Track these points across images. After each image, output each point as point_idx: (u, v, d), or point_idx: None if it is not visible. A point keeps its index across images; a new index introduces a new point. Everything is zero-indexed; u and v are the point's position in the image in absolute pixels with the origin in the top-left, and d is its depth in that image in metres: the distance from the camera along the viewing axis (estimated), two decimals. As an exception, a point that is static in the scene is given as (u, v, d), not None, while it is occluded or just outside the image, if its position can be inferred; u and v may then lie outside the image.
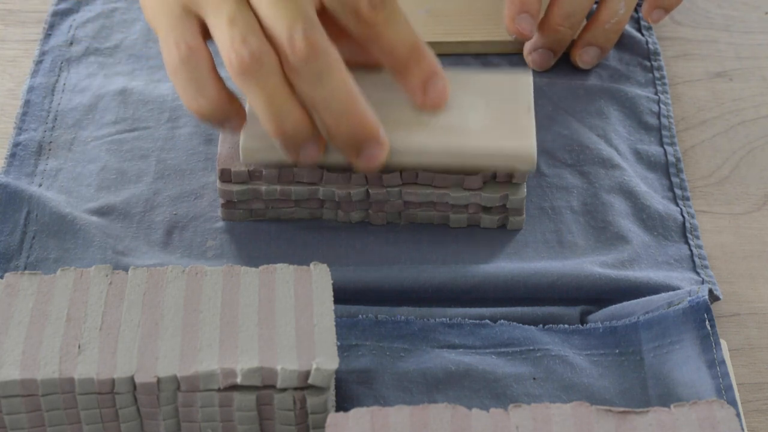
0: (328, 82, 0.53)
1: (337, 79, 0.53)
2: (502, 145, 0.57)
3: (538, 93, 0.68)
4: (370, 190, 0.59)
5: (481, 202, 0.59)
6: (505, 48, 0.71)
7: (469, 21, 0.72)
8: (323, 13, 0.55)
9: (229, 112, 0.55)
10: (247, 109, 0.57)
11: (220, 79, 0.55)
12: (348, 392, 0.52)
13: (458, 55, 0.71)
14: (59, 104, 0.67)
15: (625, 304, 0.57)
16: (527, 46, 0.69)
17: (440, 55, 0.67)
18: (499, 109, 0.59)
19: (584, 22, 0.70)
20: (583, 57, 0.69)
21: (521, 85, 0.60)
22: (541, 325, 0.56)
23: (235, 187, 0.59)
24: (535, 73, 0.70)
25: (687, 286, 0.58)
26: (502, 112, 0.59)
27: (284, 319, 0.49)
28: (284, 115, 0.54)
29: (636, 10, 0.74)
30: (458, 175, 0.58)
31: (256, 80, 0.53)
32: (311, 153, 0.56)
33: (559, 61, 0.70)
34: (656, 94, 0.69)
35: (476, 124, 0.58)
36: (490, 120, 0.58)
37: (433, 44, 0.70)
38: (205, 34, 0.55)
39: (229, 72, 0.53)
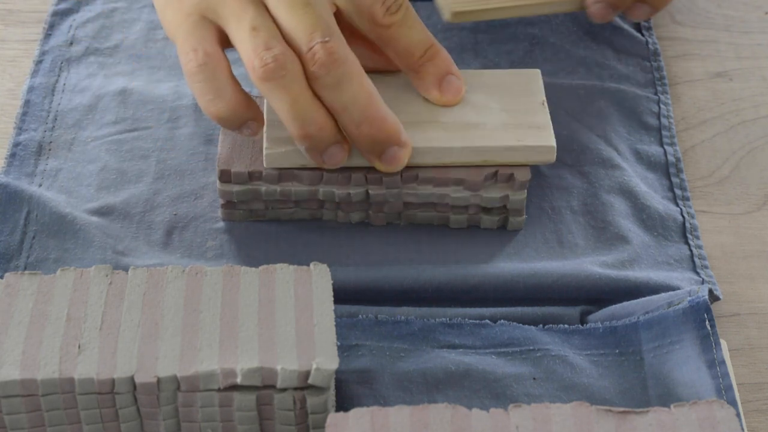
0: (348, 89, 0.54)
1: (357, 86, 0.54)
2: (522, 139, 0.58)
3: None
4: (369, 191, 0.59)
5: (481, 203, 0.59)
6: (567, 6, 0.69)
7: None
8: (338, 17, 0.56)
9: (247, 115, 0.56)
10: (266, 115, 0.58)
11: (237, 83, 0.55)
12: (348, 392, 0.52)
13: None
14: (59, 104, 0.67)
15: (625, 304, 0.57)
16: None
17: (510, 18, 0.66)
18: (513, 105, 0.60)
19: None
20: (635, 12, 0.69)
21: (532, 81, 0.61)
22: (541, 325, 0.56)
23: (235, 188, 0.59)
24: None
25: (687, 286, 0.58)
26: (517, 107, 0.60)
27: (284, 319, 0.49)
28: (308, 120, 0.54)
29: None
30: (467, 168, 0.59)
31: (280, 86, 0.53)
32: (336, 156, 0.56)
33: (559, 61, 0.70)
34: (656, 94, 0.69)
35: (493, 120, 0.59)
36: (507, 116, 0.59)
37: (504, 9, 0.69)
38: (223, 42, 0.56)
39: (252, 78, 0.54)
